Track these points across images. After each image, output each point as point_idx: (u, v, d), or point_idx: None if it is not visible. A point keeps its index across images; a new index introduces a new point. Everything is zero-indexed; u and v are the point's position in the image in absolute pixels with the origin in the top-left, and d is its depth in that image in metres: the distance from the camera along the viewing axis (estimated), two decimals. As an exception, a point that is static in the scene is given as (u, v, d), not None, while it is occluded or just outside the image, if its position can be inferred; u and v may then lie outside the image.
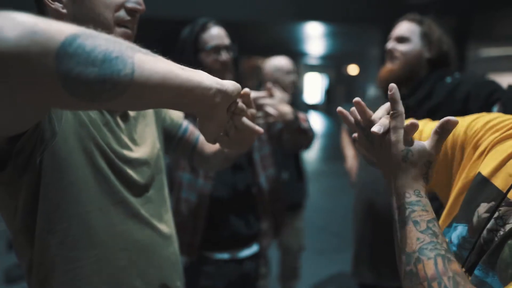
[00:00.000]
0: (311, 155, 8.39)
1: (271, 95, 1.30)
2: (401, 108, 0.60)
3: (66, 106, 0.48)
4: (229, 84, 0.59)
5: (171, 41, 1.50)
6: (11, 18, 0.39)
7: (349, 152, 1.95)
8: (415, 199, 0.57)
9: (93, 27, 0.64)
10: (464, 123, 0.75)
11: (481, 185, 0.69)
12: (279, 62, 2.28)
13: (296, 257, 2.42)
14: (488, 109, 1.23)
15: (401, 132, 0.59)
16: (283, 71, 2.25)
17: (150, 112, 0.90)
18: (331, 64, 19.54)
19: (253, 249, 1.55)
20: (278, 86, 2.15)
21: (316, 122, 15.01)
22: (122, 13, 0.70)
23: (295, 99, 2.30)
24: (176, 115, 1.02)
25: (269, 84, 1.34)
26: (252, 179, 1.52)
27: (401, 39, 1.48)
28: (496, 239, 0.61)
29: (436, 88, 1.39)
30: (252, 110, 0.71)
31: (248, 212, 1.50)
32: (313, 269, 3.19)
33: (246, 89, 0.67)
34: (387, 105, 0.65)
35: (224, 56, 1.38)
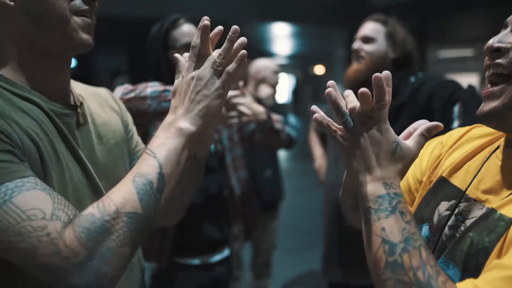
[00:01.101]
0: (280, 153, 8.44)
1: (243, 94, 1.29)
2: (388, 98, 0.59)
3: None
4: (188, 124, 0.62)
5: (138, 40, 1.45)
6: None
7: (318, 151, 1.96)
8: (400, 191, 0.58)
9: (46, 18, 0.62)
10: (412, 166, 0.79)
11: (441, 185, 0.72)
12: (268, 62, 2.39)
13: (269, 255, 2.46)
14: (450, 108, 1.27)
15: (387, 123, 0.59)
16: (271, 70, 2.34)
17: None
18: (297, 64, 19.77)
19: (225, 253, 1.53)
20: (266, 84, 2.24)
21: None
22: (78, 2, 0.65)
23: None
24: (140, 147, 0.92)
25: (240, 83, 1.32)
26: (223, 182, 1.50)
27: (367, 39, 1.51)
28: (457, 234, 0.63)
29: (400, 87, 1.43)
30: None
31: (220, 215, 1.48)
32: (284, 268, 3.21)
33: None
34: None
35: None
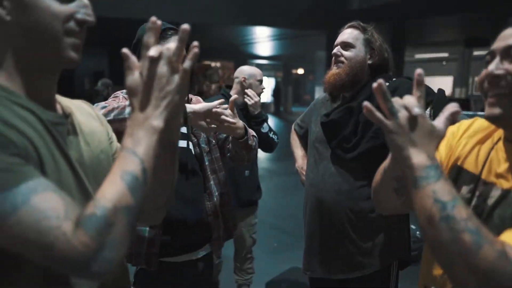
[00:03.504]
0: (261, 154, 8.50)
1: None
2: (424, 90, 0.73)
3: None
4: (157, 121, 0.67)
5: (118, 41, 1.48)
6: None
7: (299, 152, 2.02)
8: (440, 163, 0.70)
9: (40, 37, 0.66)
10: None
11: (457, 173, 0.89)
12: (253, 71, 2.47)
13: (250, 251, 2.61)
14: (422, 111, 1.35)
15: (424, 111, 0.72)
16: (257, 78, 2.44)
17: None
18: (279, 66, 19.92)
19: (206, 250, 1.56)
20: (251, 92, 2.36)
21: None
22: (71, 24, 0.68)
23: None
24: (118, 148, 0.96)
25: (221, 99, 1.36)
26: (203, 184, 1.53)
27: (346, 45, 1.58)
28: (483, 213, 0.80)
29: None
30: None
31: (201, 216, 1.51)
32: (268, 267, 3.25)
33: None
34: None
35: None
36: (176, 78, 0.67)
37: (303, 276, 1.94)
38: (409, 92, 1.47)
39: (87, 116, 0.87)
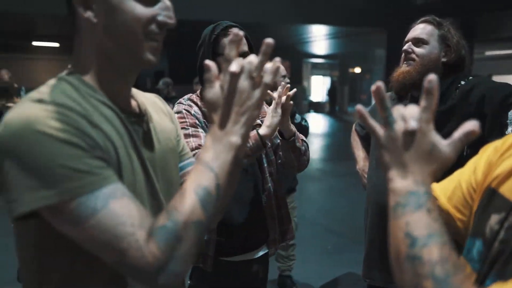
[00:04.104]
0: (314, 155, 8.39)
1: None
2: (435, 102, 0.59)
3: None
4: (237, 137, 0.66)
5: (177, 42, 1.49)
6: None
7: (360, 153, 1.94)
8: (430, 190, 0.58)
9: (122, 39, 0.69)
10: (467, 173, 0.79)
11: (490, 197, 0.70)
12: None
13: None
14: (503, 112, 1.23)
15: (430, 126, 0.59)
16: (280, 74, 2.44)
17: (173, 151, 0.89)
18: (335, 65, 19.54)
19: (263, 250, 1.55)
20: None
21: (320, 122, 15.00)
22: (153, 27, 0.70)
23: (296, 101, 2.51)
24: (186, 151, 0.97)
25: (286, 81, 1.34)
26: (261, 186, 1.52)
27: (419, 41, 1.47)
28: (507, 249, 0.62)
29: (450, 91, 1.39)
30: None
31: (257, 218, 1.50)
32: (321, 269, 3.20)
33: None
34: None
35: None
36: (257, 93, 0.66)
37: (359, 282, 1.87)
38: (489, 91, 1.34)
39: (159, 112, 0.89)
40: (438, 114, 1.06)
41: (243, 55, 1.37)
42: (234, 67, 0.64)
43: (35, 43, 11.81)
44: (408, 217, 0.55)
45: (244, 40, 1.38)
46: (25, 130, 0.59)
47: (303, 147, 1.47)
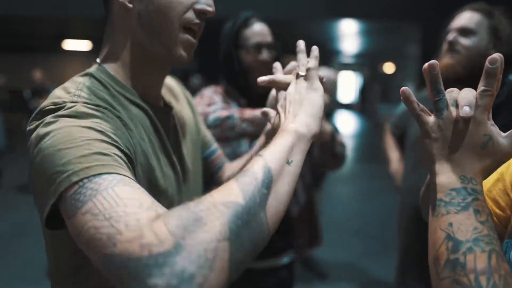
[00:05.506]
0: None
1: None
2: (495, 86, 0.51)
3: None
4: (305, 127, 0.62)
5: (207, 38, 1.45)
6: None
7: (394, 154, 1.83)
8: (480, 189, 0.50)
9: (156, 28, 0.65)
10: None
11: None
12: (329, 73, 2.57)
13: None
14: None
15: (486, 114, 0.51)
16: (332, 82, 2.57)
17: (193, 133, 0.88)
18: (366, 62, 19.12)
19: (290, 257, 1.49)
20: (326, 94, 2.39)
21: (351, 121, 14.73)
22: (190, 15, 0.66)
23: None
24: (208, 136, 0.98)
25: None
26: None
27: (465, 31, 1.30)
28: None
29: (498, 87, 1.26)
30: None
31: (287, 220, 1.43)
32: (352, 273, 3.10)
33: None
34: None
35: (265, 55, 1.30)
36: (315, 83, 0.68)
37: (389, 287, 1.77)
38: None
39: (178, 98, 0.87)
40: None
41: (268, 46, 1.32)
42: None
43: (67, 43, 12.17)
44: (451, 217, 0.49)
45: (268, 31, 1.33)
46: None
47: (341, 152, 1.35)
